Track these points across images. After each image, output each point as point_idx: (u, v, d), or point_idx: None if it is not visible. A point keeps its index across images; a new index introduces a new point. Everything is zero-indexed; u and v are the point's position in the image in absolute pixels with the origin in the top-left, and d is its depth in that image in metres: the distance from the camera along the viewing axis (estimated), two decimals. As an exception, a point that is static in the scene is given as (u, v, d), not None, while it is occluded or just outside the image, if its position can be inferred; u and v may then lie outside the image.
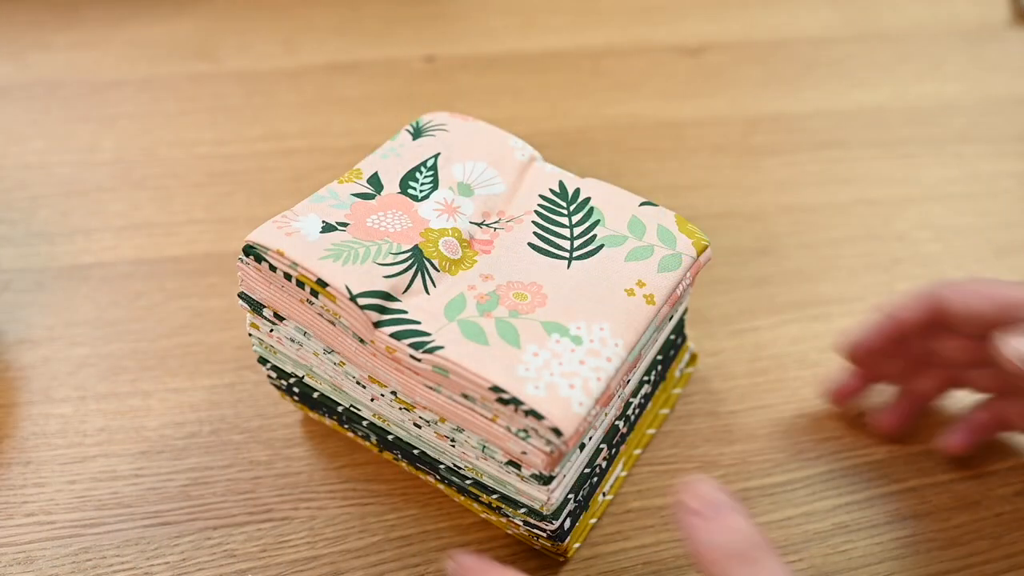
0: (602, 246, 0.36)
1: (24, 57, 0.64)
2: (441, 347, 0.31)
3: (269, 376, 0.40)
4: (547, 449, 0.31)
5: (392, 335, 0.32)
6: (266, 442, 0.43)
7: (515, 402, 0.30)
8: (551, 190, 0.39)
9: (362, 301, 0.32)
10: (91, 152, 0.58)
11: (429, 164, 0.38)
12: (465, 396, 0.32)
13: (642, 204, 0.38)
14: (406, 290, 0.33)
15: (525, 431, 0.31)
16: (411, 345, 0.32)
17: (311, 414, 0.42)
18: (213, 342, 0.47)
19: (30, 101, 0.61)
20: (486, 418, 0.32)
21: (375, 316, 0.32)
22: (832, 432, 0.44)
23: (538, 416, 0.30)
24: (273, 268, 0.33)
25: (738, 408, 0.45)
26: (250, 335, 0.38)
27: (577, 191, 0.39)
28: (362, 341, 0.33)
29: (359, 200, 0.36)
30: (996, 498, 0.42)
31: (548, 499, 0.33)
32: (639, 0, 0.74)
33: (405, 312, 0.33)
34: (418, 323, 0.32)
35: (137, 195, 0.55)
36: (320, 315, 0.34)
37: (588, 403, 0.31)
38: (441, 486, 0.39)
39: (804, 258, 0.53)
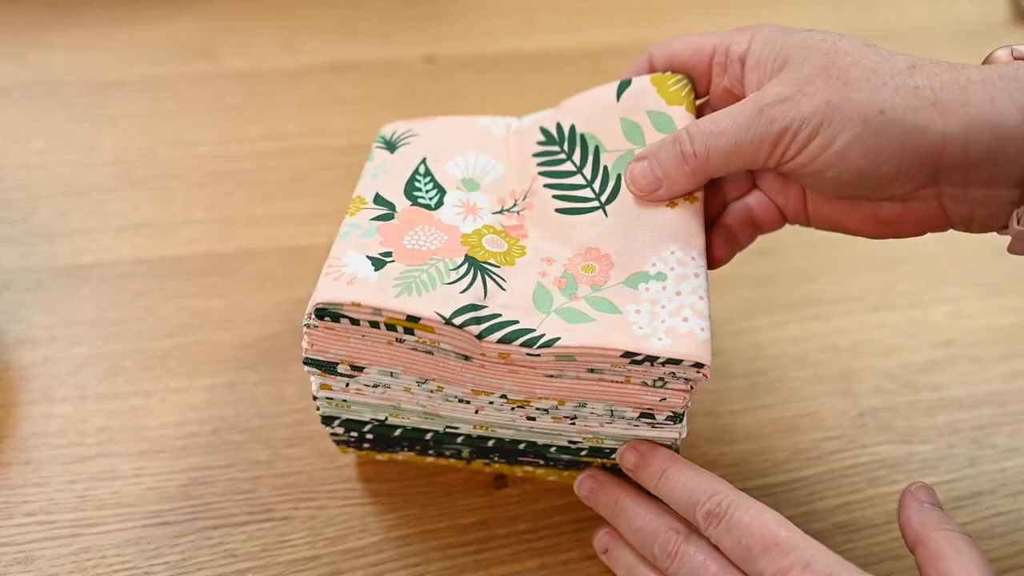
0: (619, 175, 0.37)
1: (24, 57, 0.64)
2: (557, 338, 0.32)
3: (333, 435, 0.38)
4: (686, 387, 0.33)
5: (500, 340, 0.32)
6: (266, 442, 0.43)
7: (649, 359, 0.32)
8: (539, 143, 0.39)
9: (458, 320, 0.32)
10: (91, 152, 0.58)
11: (422, 171, 0.38)
12: (591, 371, 0.33)
13: (620, 95, 0.38)
14: (485, 296, 0.33)
15: (661, 379, 0.33)
16: (523, 344, 0.32)
17: (379, 456, 0.41)
18: (213, 342, 0.47)
19: (30, 101, 0.61)
20: (617, 383, 0.33)
21: (475, 329, 0.32)
22: (832, 432, 0.44)
23: (676, 362, 0.31)
24: (355, 322, 0.32)
25: (738, 408, 0.45)
26: (315, 399, 0.36)
27: (559, 126, 0.39)
28: (466, 358, 0.33)
29: (382, 223, 0.35)
30: (996, 497, 0.42)
31: (680, 435, 0.35)
32: (639, 0, 0.74)
33: (499, 315, 0.32)
34: (517, 322, 0.32)
35: (137, 195, 0.55)
36: (414, 349, 0.33)
37: (707, 324, 0.32)
38: (540, 471, 0.40)
39: (804, 258, 0.53)
